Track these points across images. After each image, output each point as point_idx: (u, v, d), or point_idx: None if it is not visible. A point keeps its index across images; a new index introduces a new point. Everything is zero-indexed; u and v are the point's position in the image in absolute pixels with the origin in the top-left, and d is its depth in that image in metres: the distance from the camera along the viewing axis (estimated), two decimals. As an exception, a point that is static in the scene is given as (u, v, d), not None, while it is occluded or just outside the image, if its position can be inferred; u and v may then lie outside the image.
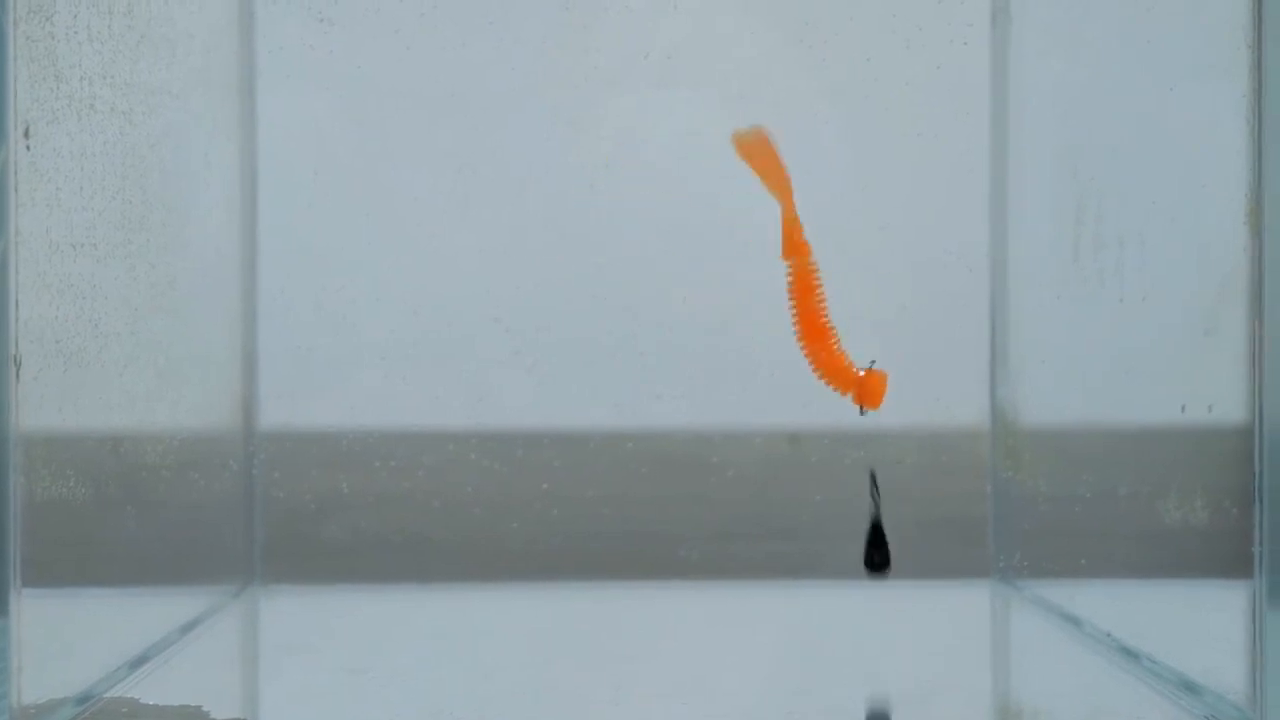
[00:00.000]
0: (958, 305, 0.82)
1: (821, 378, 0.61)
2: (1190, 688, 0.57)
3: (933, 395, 0.82)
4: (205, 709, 0.55)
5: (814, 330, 0.60)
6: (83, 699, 0.55)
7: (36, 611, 0.52)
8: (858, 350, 0.82)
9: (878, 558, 0.64)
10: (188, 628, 0.67)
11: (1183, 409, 0.59)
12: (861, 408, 0.61)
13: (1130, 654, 0.62)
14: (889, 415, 0.81)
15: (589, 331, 0.82)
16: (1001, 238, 0.81)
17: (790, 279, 0.57)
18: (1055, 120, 0.75)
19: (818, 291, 0.58)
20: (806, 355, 0.60)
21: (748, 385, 0.82)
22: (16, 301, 0.50)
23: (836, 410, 0.82)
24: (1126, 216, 0.65)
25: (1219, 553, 0.59)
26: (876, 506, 0.64)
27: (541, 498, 0.80)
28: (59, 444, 0.55)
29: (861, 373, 0.60)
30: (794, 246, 0.59)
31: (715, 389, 0.82)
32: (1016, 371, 0.80)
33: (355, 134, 0.80)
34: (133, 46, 0.61)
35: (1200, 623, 0.60)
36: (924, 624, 0.75)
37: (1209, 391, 0.58)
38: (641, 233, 0.82)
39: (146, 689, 0.58)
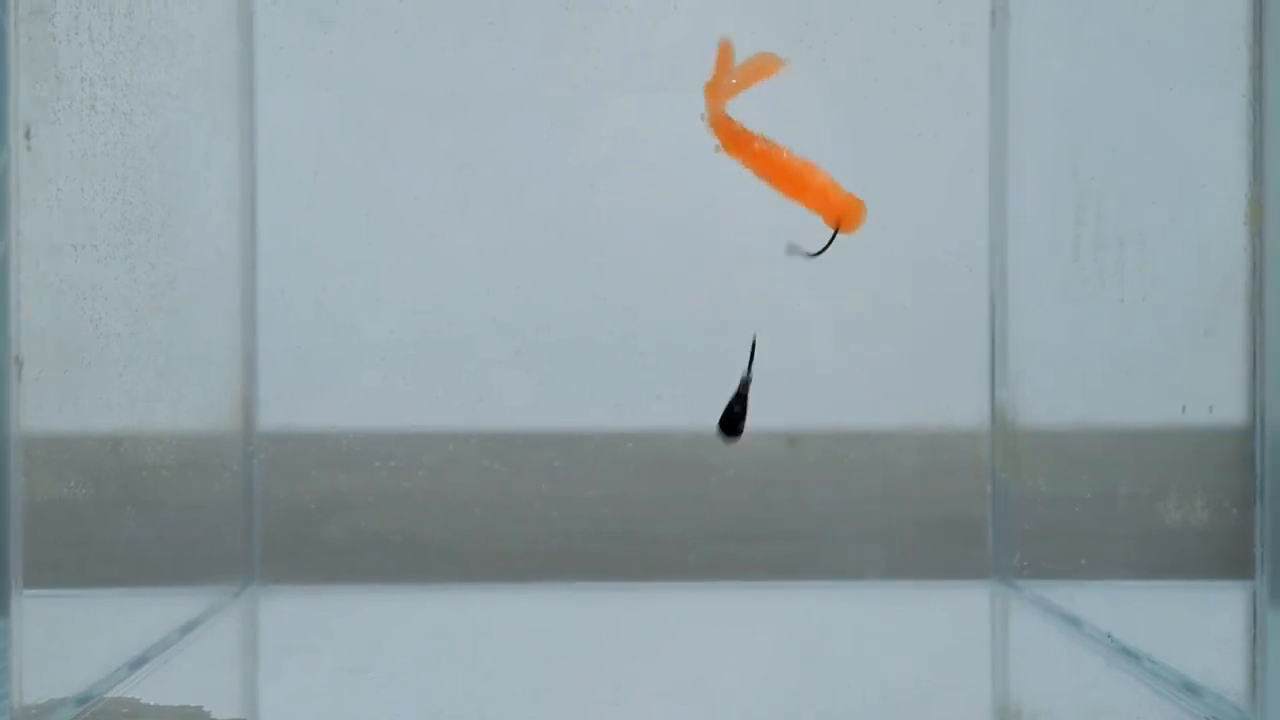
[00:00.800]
0: (957, 305, 0.82)
1: (797, 197, 0.57)
2: (1191, 689, 0.57)
3: (932, 395, 0.82)
4: (206, 709, 0.56)
5: (779, 162, 0.57)
6: (83, 699, 0.55)
7: (36, 612, 0.52)
8: (863, 352, 0.82)
9: (737, 419, 0.62)
10: (188, 628, 0.67)
11: (1183, 409, 0.59)
12: (836, 232, 0.58)
13: (1130, 655, 0.62)
14: (888, 415, 0.82)
15: (589, 331, 0.83)
16: (1001, 238, 0.81)
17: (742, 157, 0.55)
18: (1055, 120, 0.75)
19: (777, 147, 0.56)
20: (777, 181, 0.57)
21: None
22: (18, 303, 0.50)
23: (837, 411, 0.82)
24: (1127, 216, 0.65)
25: (1219, 553, 0.59)
26: (749, 375, 0.63)
27: (541, 498, 0.81)
28: (59, 445, 0.55)
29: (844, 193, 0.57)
30: (734, 139, 0.57)
31: (715, 389, 0.82)
32: (1016, 372, 0.80)
33: (355, 134, 0.81)
34: (133, 47, 0.61)
35: (1201, 624, 0.61)
36: (923, 624, 0.75)
37: (1209, 392, 0.58)
38: (642, 233, 0.82)
39: (147, 689, 0.58)
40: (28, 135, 0.51)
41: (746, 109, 0.82)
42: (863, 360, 0.82)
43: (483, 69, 0.82)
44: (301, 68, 0.80)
